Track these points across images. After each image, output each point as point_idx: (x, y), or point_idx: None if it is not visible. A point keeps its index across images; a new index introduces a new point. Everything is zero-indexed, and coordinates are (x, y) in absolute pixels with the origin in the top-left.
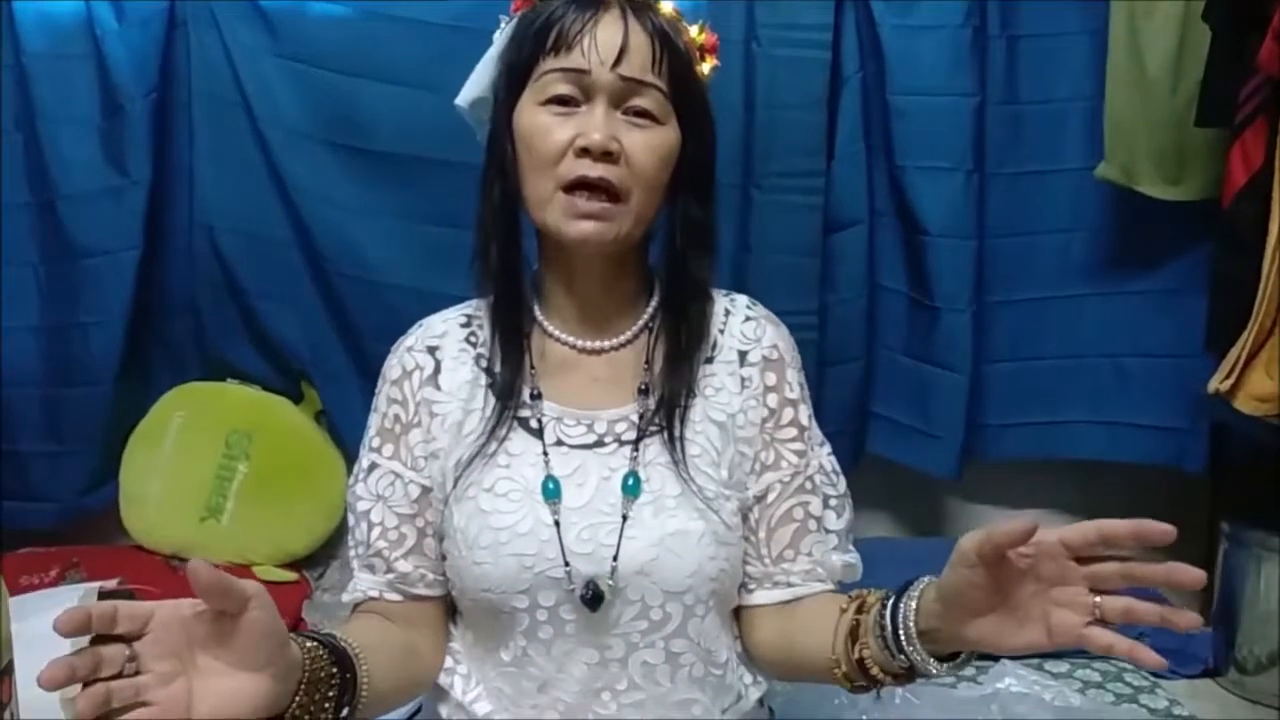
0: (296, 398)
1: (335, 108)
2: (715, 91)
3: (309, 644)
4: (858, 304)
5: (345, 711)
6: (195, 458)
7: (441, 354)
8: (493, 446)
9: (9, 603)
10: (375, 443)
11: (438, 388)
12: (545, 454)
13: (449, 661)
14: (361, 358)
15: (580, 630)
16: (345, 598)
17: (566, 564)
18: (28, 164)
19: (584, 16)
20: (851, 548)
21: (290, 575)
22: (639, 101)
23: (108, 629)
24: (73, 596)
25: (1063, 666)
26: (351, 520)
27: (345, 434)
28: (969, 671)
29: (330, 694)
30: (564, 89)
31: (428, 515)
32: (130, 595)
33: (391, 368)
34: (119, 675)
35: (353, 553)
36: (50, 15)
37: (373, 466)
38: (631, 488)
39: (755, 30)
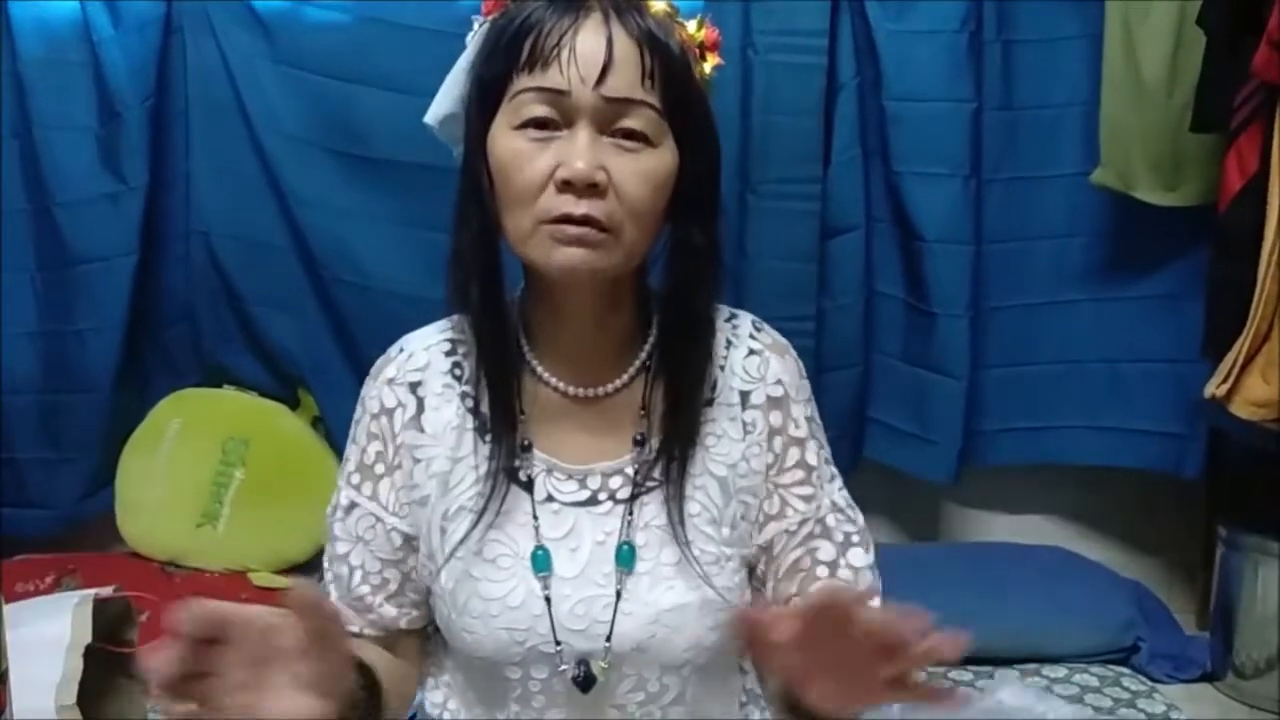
0: (293, 404)
1: (332, 114)
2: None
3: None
4: (855, 310)
5: None
6: (192, 464)
7: (424, 391)
8: (492, 513)
9: (6, 610)
10: (355, 479)
11: (421, 430)
12: (534, 515)
13: (439, 696)
14: (358, 364)
15: (574, 703)
16: None
17: (558, 641)
18: (24, 170)
19: (561, 25)
20: (870, 577)
21: (286, 582)
22: (627, 122)
23: (216, 631)
24: (68, 604)
25: (1061, 671)
26: (328, 557)
27: (342, 441)
28: (967, 676)
29: (356, 715)
30: (541, 111)
31: (410, 561)
32: (127, 604)
33: (371, 399)
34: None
35: (331, 589)
36: (47, 21)
37: (352, 505)
38: (626, 558)
39: (751, 36)
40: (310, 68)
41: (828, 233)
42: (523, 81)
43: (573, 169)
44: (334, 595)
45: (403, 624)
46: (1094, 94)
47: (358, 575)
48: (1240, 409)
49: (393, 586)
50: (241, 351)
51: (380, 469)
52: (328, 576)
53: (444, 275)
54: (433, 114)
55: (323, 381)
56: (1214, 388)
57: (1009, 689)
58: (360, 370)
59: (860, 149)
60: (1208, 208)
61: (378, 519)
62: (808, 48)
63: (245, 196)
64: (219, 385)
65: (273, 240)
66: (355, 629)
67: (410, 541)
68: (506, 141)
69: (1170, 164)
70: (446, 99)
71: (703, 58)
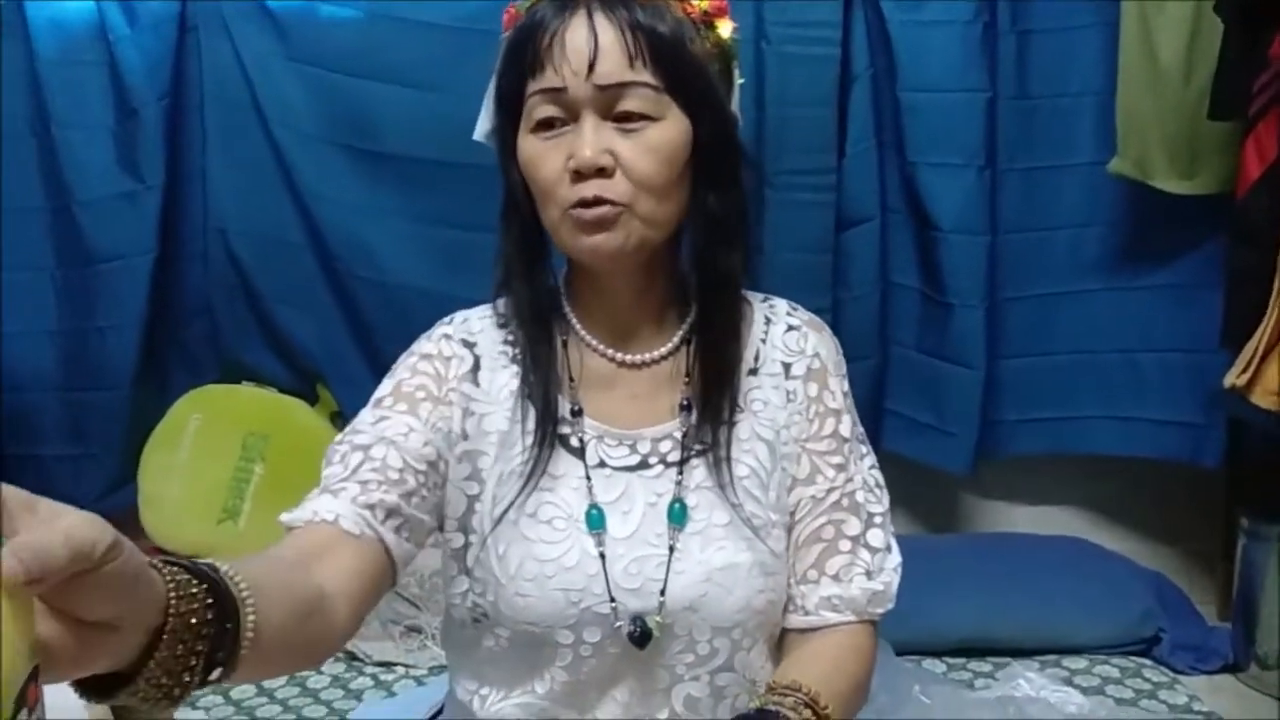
0: (312, 400)
1: (346, 110)
2: None
3: (179, 578)
4: (870, 301)
5: (217, 673)
6: (212, 460)
7: (480, 351)
8: (539, 476)
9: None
10: (387, 402)
11: (476, 384)
12: (588, 477)
13: (472, 683)
14: (376, 359)
15: (624, 663)
16: (284, 517)
17: (613, 600)
18: (42, 169)
19: (552, 27)
20: (887, 569)
21: None
22: (625, 105)
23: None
24: None
25: (1081, 662)
26: (327, 460)
27: None
28: (986, 667)
29: (199, 648)
30: (548, 111)
31: (425, 490)
32: None
33: (424, 345)
34: None
35: (324, 473)
36: (63, 21)
37: (381, 419)
38: (678, 515)
39: (764, 28)
40: (324, 64)
41: (843, 224)
42: (530, 87)
43: (579, 158)
44: (326, 477)
45: (388, 526)
46: (1109, 83)
47: (368, 466)
48: (1261, 399)
49: (408, 487)
50: (260, 347)
51: (422, 395)
52: (327, 470)
53: (460, 270)
54: (480, 131)
55: (340, 376)
56: (1234, 377)
57: (1025, 678)
58: (377, 365)
59: (875, 140)
60: (1225, 196)
61: (411, 429)
62: (821, 39)
63: (261, 193)
64: (237, 381)
65: (289, 236)
66: (328, 518)
67: (435, 468)
68: (526, 145)
69: (1187, 152)
70: (486, 114)
71: (709, 27)
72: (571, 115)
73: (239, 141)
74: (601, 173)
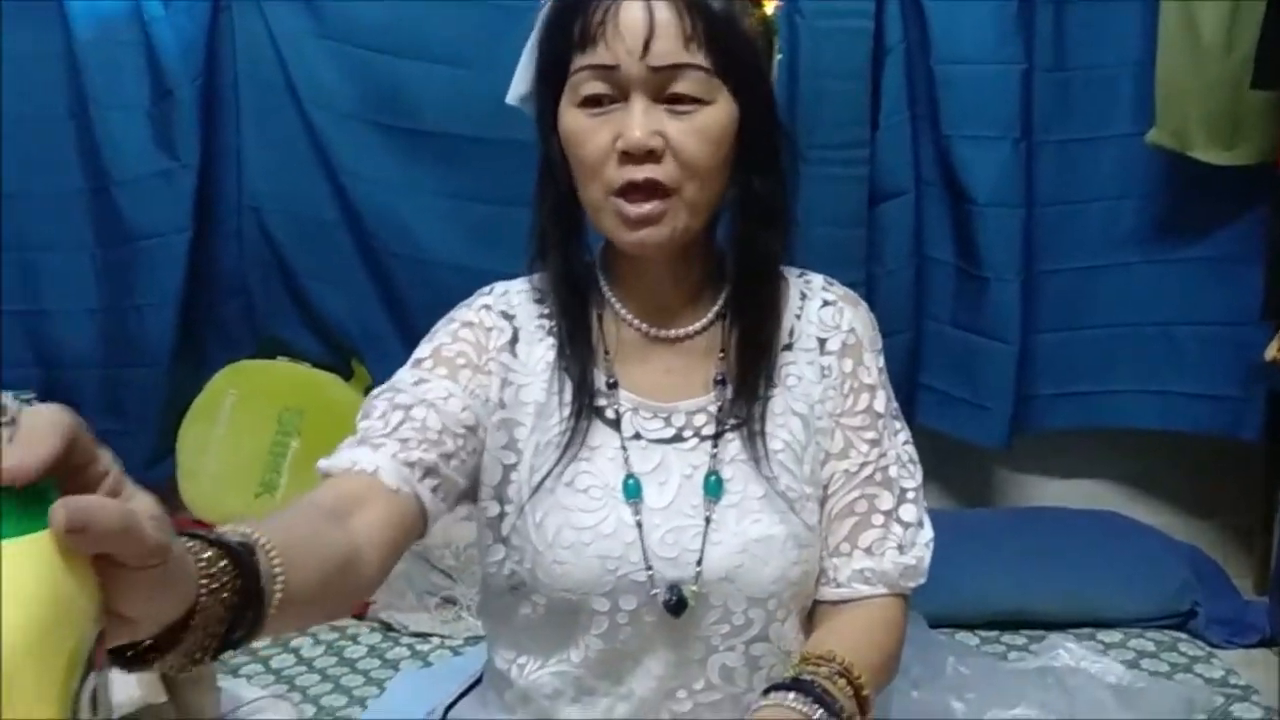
0: (346, 375)
1: (380, 87)
2: None
3: (211, 570)
4: (904, 275)
5: (239, 633)
6: (249, 434)
7: (518, 324)
8: (577, 445)
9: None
10: (427, 365)
11: (514, 356)
12: (624, 448)
13: (510, 652)
14: (410, 335)
15: (660, 632)
16: (322, 464)
17: (649, 568)
18: (81, 151)
19: (604, 3)
20: (919, 543)
21: None
22: (677, 87)
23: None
24: None
25: (1116, 636)
26: (365, 413)
27: None
28: (1020, 640)
29: (219, 629)
30: (597, 88)
31: (464, 455)
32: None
33: (465, 313)
34: None
35: (361, 426)
36: (98, 3)
37: (420, 381)
38: (714, 488)
39: (797, 2)
40: (357, 41)
41: (876, 198)
42: (578, 61)
43: (629, 140)
44: (364, 429)
45: (425, 485)
46: (1148, 53)
47: (409, 425)
48: None
49: (447, 448)
50: (294, 323)
51: (462, 362)
52: (365, 423)
53: (494, 246)
54: (513, 94)
55: (375, 352)
56: (1275, 350)
57: (1065, 648)
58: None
59: (909, 112)
60: (1267, 166)
61: (451, 394)
62: (854, 11)
63: (295, 171)
64: (273, 357)
65: (323, 214)
66: (368, 469)
67: (473, 433)
68: (570, 120)
69: (1228, 122)
70: (523, 78)
71: (758, 4)
72: (621, 94)
73: (273, 119)
74: (650, 155)
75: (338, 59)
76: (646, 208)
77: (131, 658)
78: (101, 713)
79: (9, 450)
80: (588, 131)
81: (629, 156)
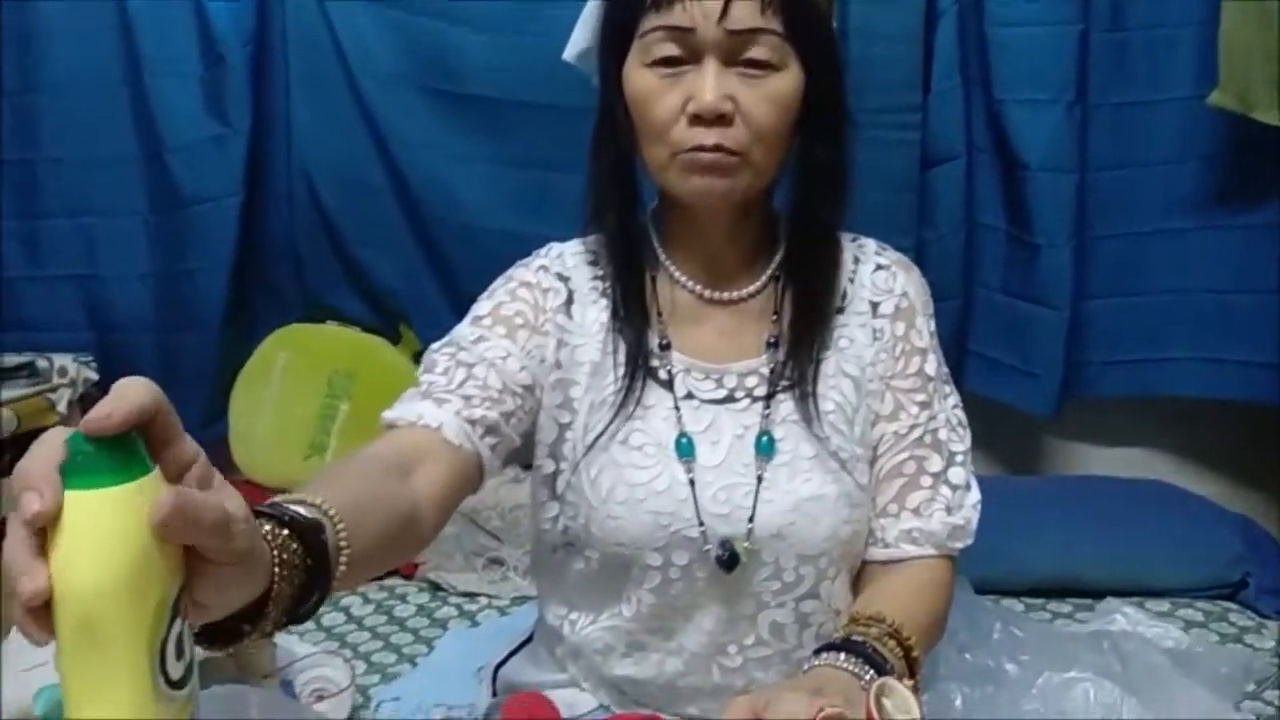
0: (395, 339)
1: (427, 52)
2: None
3: (283, 555)
4: (955, 241)
5: (305, 609)
6: (299, 397)
7: (573, 285)
8: (631, 405)
9: None
10: (486, 322)
11: (569, 317)
12: (677, 408)
13: (561, 608)
14: (457, 300)
15: (711, 587)
16: (387, 415)
17: (702, 524)
18: (135, 118)
19: None
20: (966, 505)
21: None
22: (752, 52)
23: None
24: None
25: (1164, 605)
26: (427, 367)
27: None
28: (1066, 608)
29: (286, 606)
30: (670, 49)
31: (522, 414)
32: None
33: (522, 273)
34: None
35: (425, 380)
36: None
37: (480, 339)
38: (766, 448)
39: None
40: (405, 7)
41: (927, 162)
42: (650, 21)
43: (702, 103)
44: (427, 383)
45: (486, 443)
46: (1210, 12)
47: (472, 383)
48: None
49: (507, 407)
50: (343, 288)
51: (520, 322)
52: (427, 376)
53: (541, 211)
54: (571, 50)
55: (422, 317)
56: None
57: (1122, 613)
58: (458, 305)
59: (961, 76)
60: None
61: (509, 354)
62: None
63: (344, 136)
64: (322, 321)
65: (371, 179)
66: (433, 424)
67: (530, 393)
68: (639, 79)
69: None
70: (583, 34)
71: None
72: (693, 56)
73: (322, 85)
74: (721, 119)
75: (386, 24)
76: (716, 156)
77: (202, 638)
78: (187, 658)
79: (98, 405)
80: (657, 92)
81: (700, 119)
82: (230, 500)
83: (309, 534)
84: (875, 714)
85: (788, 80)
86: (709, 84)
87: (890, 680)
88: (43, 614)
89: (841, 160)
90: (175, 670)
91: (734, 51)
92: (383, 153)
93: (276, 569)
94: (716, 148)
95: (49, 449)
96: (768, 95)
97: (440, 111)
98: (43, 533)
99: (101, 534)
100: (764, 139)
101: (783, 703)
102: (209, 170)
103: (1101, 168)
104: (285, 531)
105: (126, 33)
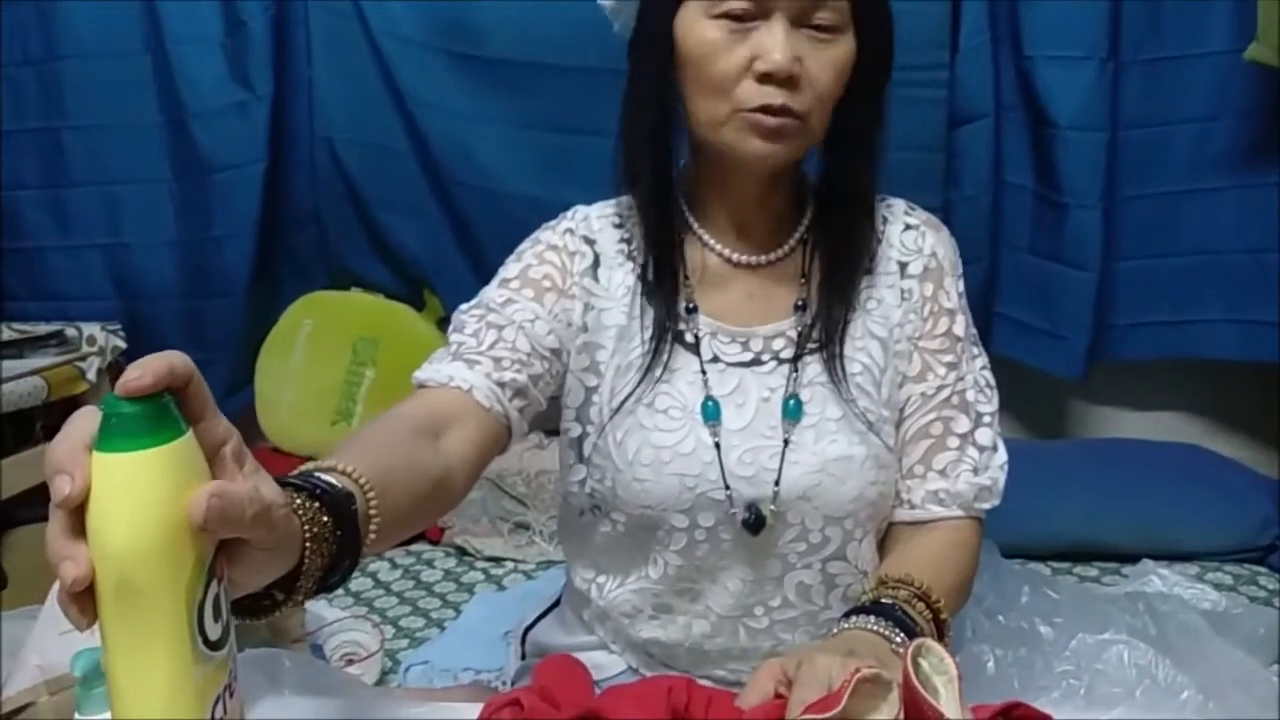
0: (419, 305)
1: (449, 16)
2: None
3: (313, 530)
4: (983, 201)
5: (334, 579)
6: (324, 364)
7: (600, 249)
8: (658, 369)
9: None
10: (514, 285)
11: (596, 280)
12: (703, 371)
13: (589, 572)
14: (480, 265)
15: (737, 549)
16: (418, 375)
17: (728, 487)
18: (158, 85)
19: None
20: (993, 466)
21: None
22: (821, 16)
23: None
24: None
25: (1193, 569)
26: (456, 327)
27: None
28: (1093, 571)
29: (317, 577)
30: (740, 5)
31: (550, 377)
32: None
33: (550, 236)
34: None
35: (455, 340)
36: None
37: (508, 300)
38: (793, 410)
39: None
40: None
41: (956, 121)
42: None
43: (773, 62)
44: (457, 343)
45: (514, 405)
46: None
47: (502, 346)
48: None
49: (536, 370)
50: (367, 254)
51: (548, 285)
52: (457, 337)
53: (564, 175)
54: None
55: (446, 282)
56: None
57: (1157, 574)
58: (482, 270)
59: (989, 34)
60: None
61: (538, 316)
62: None
63: (366, 101)
64: (346, 288)
65: (394, 144)
66: (463, 386)
67: (558, 356)
68: (703, 30)
69: None
70: None
71: None
72: (762, 13)
73: (344, 49)
74: (790, 81)
75: None
76: (782, 120)
77: (234, 608)
78: (224, 619)
79: (130, 367)
80: (724, 47)
81: (769, 79)
82: (265, 484)
83: (340, 505)
84: (912, 674)
85: (846, 46)
86: (780, 44)
87: (928, 640)
88: (85, 598)
89: (879, 126)
90: (213, 631)
91: (804, 13)
92: (405, 117)
93: (308, 543)
94: (784, 109)
95: (77, 428)
96: (831, 60)
97: (462, 75)
98: (79, 511)
99: (138, 496)
100: (824, 103)
101: (816, 665)
102: (232, 136)
103: (1132, 126)
104: (316, 504)
105: (149, 0)
